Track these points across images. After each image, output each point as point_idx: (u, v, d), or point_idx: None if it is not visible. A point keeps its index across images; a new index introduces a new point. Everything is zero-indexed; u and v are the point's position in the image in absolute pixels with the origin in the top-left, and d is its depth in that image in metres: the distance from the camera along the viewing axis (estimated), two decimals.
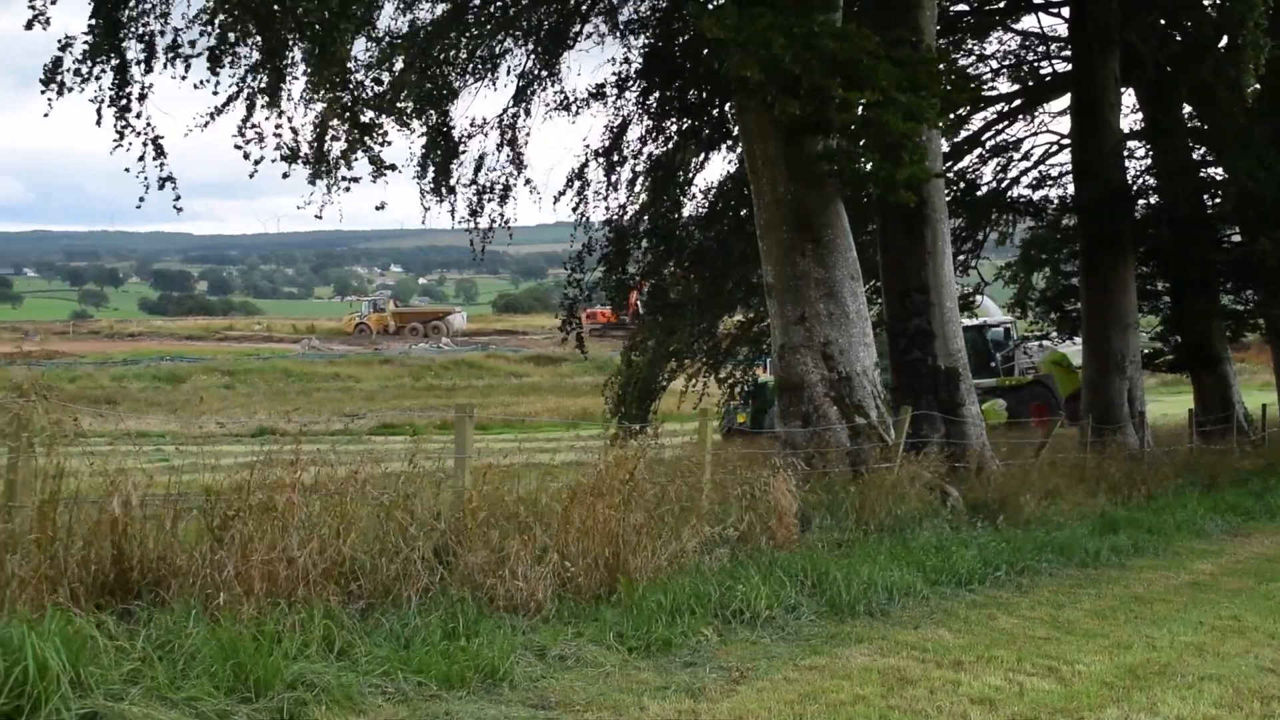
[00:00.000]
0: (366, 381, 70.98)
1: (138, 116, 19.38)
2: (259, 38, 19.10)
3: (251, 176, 20.75)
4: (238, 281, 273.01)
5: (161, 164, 19.75)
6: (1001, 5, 32.98)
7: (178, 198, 20.12)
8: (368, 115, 20.83)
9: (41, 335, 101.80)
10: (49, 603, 8.14)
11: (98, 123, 19.33)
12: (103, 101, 19.22)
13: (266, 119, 20.30)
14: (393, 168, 21.31)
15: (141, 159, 19.56)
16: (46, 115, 19.14)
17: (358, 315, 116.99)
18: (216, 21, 18.77)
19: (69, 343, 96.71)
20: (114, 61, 19.02)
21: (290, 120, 20.64)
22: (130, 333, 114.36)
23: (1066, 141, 33.02)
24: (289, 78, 19.97)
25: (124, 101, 19.25)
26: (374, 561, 10.14)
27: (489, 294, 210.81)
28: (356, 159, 20.69)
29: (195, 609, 8.70)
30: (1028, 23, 33.89)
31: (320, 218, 22.28)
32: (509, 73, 25.09)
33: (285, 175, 20.67)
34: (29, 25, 18.28)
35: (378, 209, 23.83)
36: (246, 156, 20.19)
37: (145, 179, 19.64)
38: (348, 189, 21.61)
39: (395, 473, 11.54)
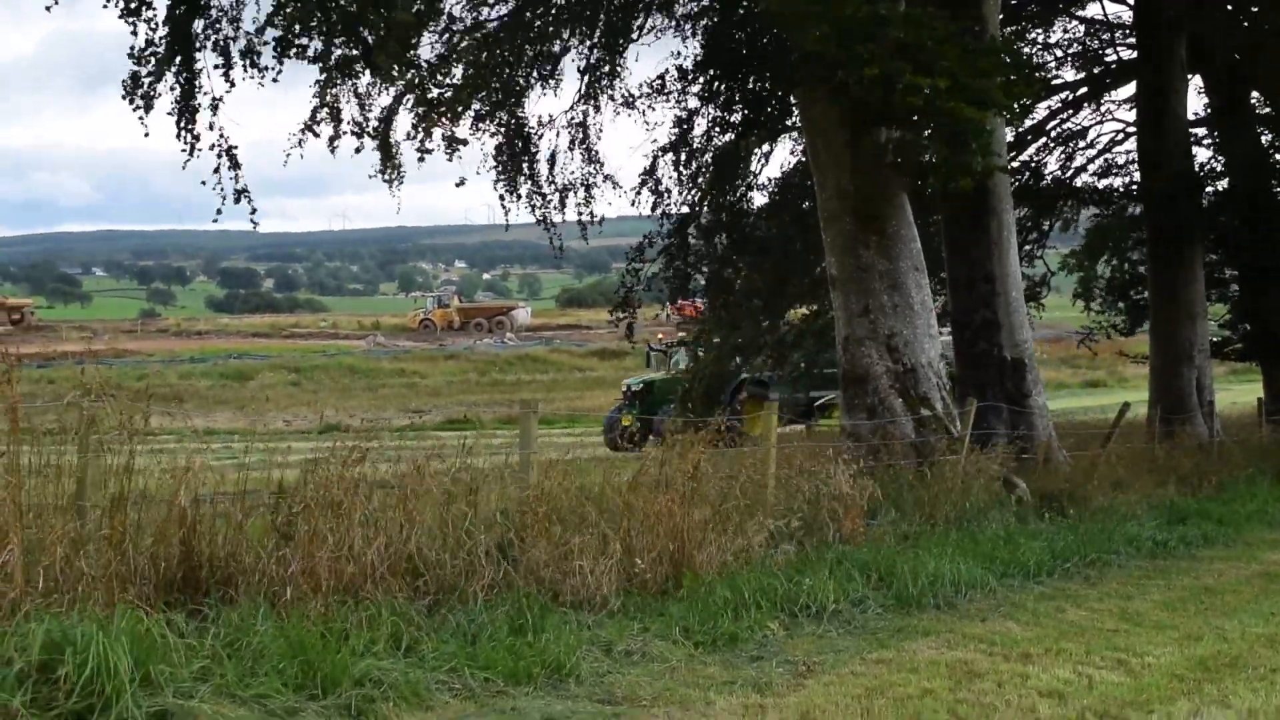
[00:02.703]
0: (431, 377, 71.16)
1: (210, 128, 19.63)
2: (329, 32, 19.28)
3: (333, 151, 21.23)
4: (303, 278, 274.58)
5: (236, 175, 20.02)
6: None
7: (254, 210, 20.47)
8: (434, 92, 21.03)
9: (110, 334, 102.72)
10: (119, 601, 8.20)
11: (178, 135, 19.61)
12: (178, 116, 19.52)
13: (335, 103, 20.61)
14: (464, 143, 21.56)
15: (217, 170, 19.81)
16: (147, 136, 19.81)
17: (423, 311, 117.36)
18: (287, 11, 18.93)
19: (137, 341, 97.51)
20: (182, 74, 19.25)
21: (361, 101, 20.95)
22: (197, 330, 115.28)
23: (1132, 130, 32.71)
24: (358, 69, 20.19)
25: (191, 113, 19.46)
26: (439, 557, 10.16)
27: (553, 289, 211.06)
28: (430, 138, 21.00)
29: (263, 606, 8.76)
30: (1092, 10, 33.85)
31: (397, 199, 22.51)
32: (579, 73, 25.16)
33: (358, 150, 21.04)
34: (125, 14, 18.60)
35: (458, 184, 23.84)
36: (317, 136, 20.50)
37: (221, 190, 19.90)
38: (421, 159, 21.90)
39: (460, 468, 11.56)
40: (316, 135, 21.11)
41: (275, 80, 19.83)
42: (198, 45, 19.32)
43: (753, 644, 10.31)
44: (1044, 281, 35.98)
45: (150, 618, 7.94)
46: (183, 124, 19.62)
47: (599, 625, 10.07)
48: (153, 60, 19.10)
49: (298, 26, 18.85)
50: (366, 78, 20.82)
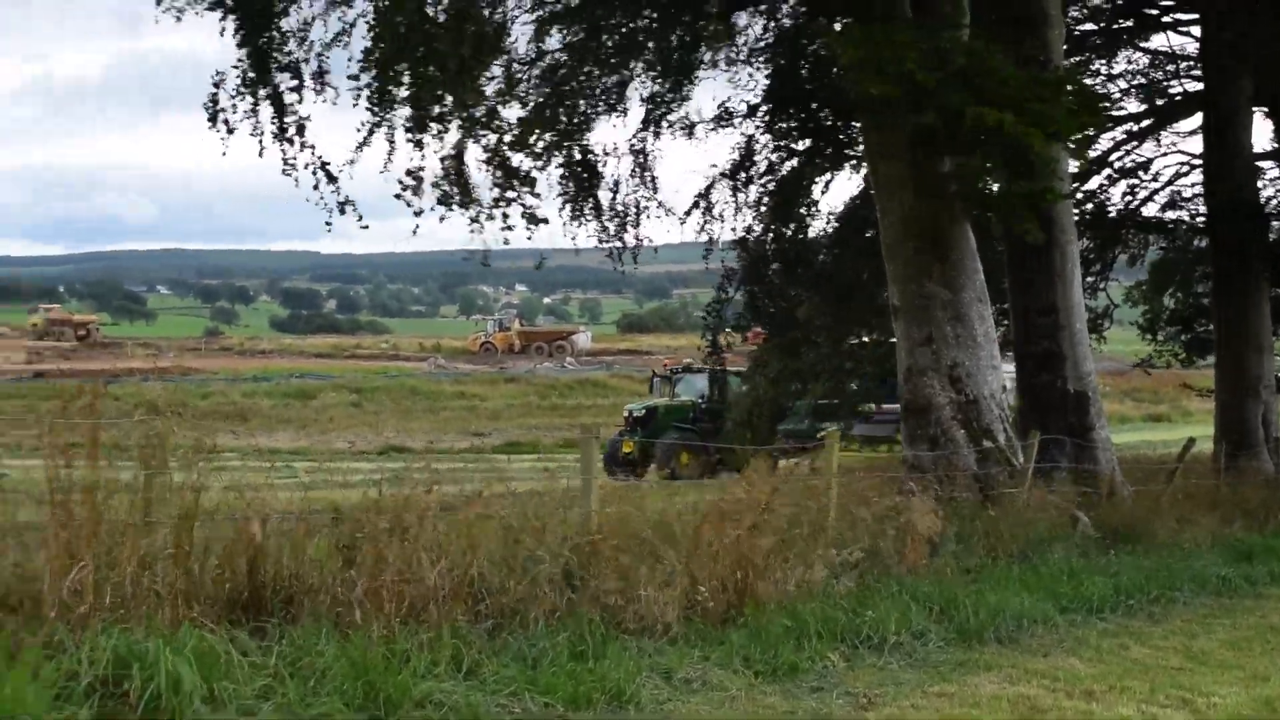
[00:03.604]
0: (492, 400, 71.34)
1: (302, 148, 20.07)
2: (408, 75, 19.63)
3: (416, 231, 21.56)
4: (365, 300, 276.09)
5: (336, 188, 20.50)
6: (1130, 24, 32.52)
7: (360, 217, 20.99)
8: (516, 159, 21.30)
9: (175, 351, 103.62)
10: (185, 618, 8.27)
11: (260, 154, 20.08)
12: (262, 134, 19.95)
13: (412, 159, 20.95)
14: (545, 221, 21.82)
15: (316, 187, 20.24)
16: (224, 155, 20.30)
17: (483, 334, 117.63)
18: (374, 58, 19.34)
19: (201, 359, 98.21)
20: (265, 93, 19.66)
21: (438, 154, 21.25)
22: (261, 350, 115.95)
23: (1197, 162, 32.47)
24: (434, 110, 20.49)
25: (287, 133, 19.92)
26: (502, 582, 10.18)
27: (613, 314, 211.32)
28: (508, 210, 21.29)
29: (326, 626, 8.81)
30: (1157, 42, 33.42)
31: (478, 231, 22.64)
32: (641, 102, 25.26)
33: (442, 219, 21.42)
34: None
35: (531, 222, 24.05)
36: (409, 205, 20.91)
37: (325, 204, 20.38)
38: (506, 241, 22.22)
39: (523, 492, 11.61)
40: (408, 205, 21.33)
41: (334, 103, 20.26)
42: (271, 69, 19.70)
43: (813, 674, 10.27)
44: (1107, 313, 35.76)
45: (215, 635, 8.01)
46: (279, 146, 20.14)
47: (660, 652, 10.07)
48: (237, 83, 19.57)
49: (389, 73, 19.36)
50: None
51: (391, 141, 20.84)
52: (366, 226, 21.04)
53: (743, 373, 41.69)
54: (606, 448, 36.26)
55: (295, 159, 20.31)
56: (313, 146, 20.42)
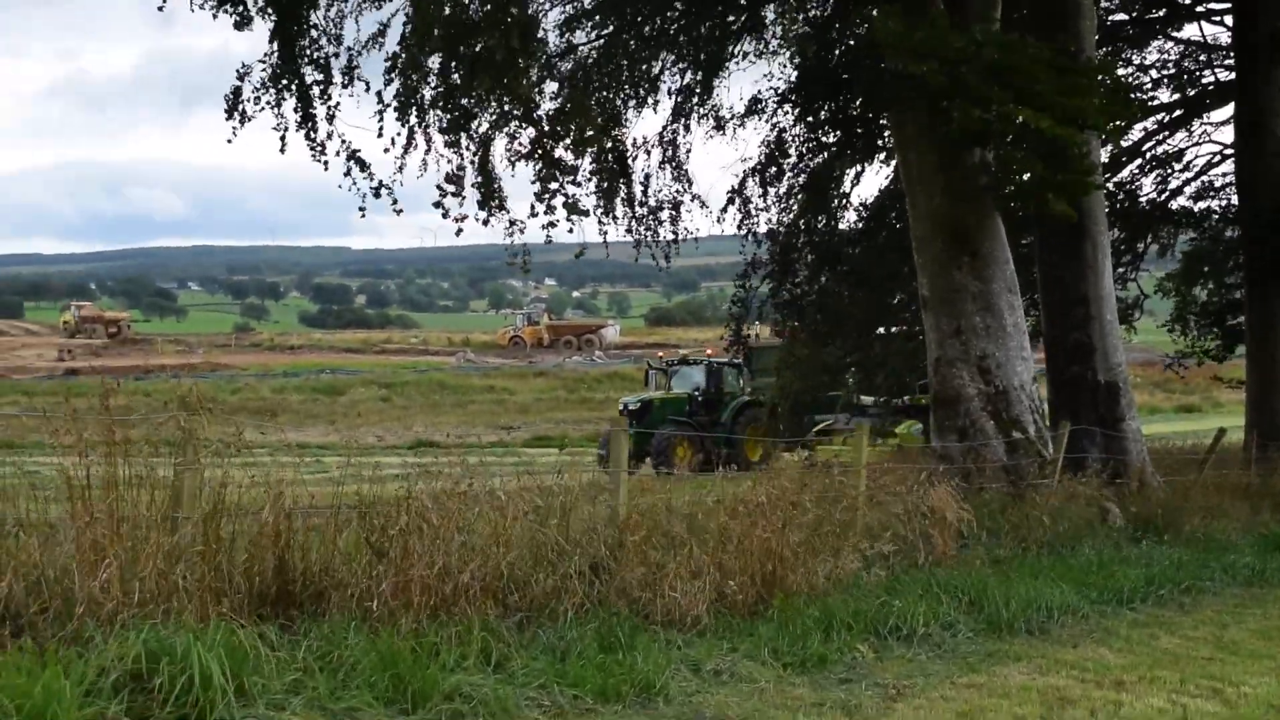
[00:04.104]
0: (521, 394, 71.36)
1: (329, 137, 20.11)
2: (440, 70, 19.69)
3: (459, 233, 21.64)
4: (395, 295, 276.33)
5: (370, 174, 20.65)
6: (1162, 14, 32.35)
7: (395, 201, 21.14)
8: (559, 151, 21.30)
9: (205, 348, 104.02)
10: (213, 613, 8.28)
11: (281, 150, 20.15)
12: (286, 128, 20.02)
13: (449, 161, 20.99)
14: (586, 213, 21.80)
15: (348, 174, 20.29)
16: (230, 142, 20.23)
17: (512, 328, 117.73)
18: (405, 56, 19.43)
19: (231, 355, 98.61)
20: (295, 86, 19.73)
21: (471, 153, 21.25)
22: (290, 345, 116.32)
23: (1230, 152, 32.27)
24: (476, 112, 20.56)
25: (312, 124, 19.96)
26: (531, 575, 10.19)
27: (641, 307, 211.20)
28: (553, 203, 21.27)
29: (355, 620, 8.82)
30: (1189, 32, 33.19)
31: (504, 222, 22.57)
32: (669, 94, 25.21)
33: (485, 223, 21.41)
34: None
35: (571, 213, 23.99)
36: (446, 214, 20.96)
37: (358, 190, 20.45)
38: (548, 239, 22.20)
39: (551, 486, 11.60)
40: (445, 214, 21.34)
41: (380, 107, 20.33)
42: (299, 63, 19.77)
43: (842, 666, 10.27)
44: (1137, 304, 35.55)
45: (244, 630, 8.02)
46: (304, 135, 20.18)
47: (689, 644, 10.07)
48: (263, 77, 19.65)
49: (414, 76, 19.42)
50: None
51: (428, 143, 20.92)
52: (400, 211, 21.10)
53: (740, 365, 41.65)
54: (600, 442, 35.80)
55: (323, 145, 20.39)
56: (342, 135, 20.52)
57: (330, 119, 20.33)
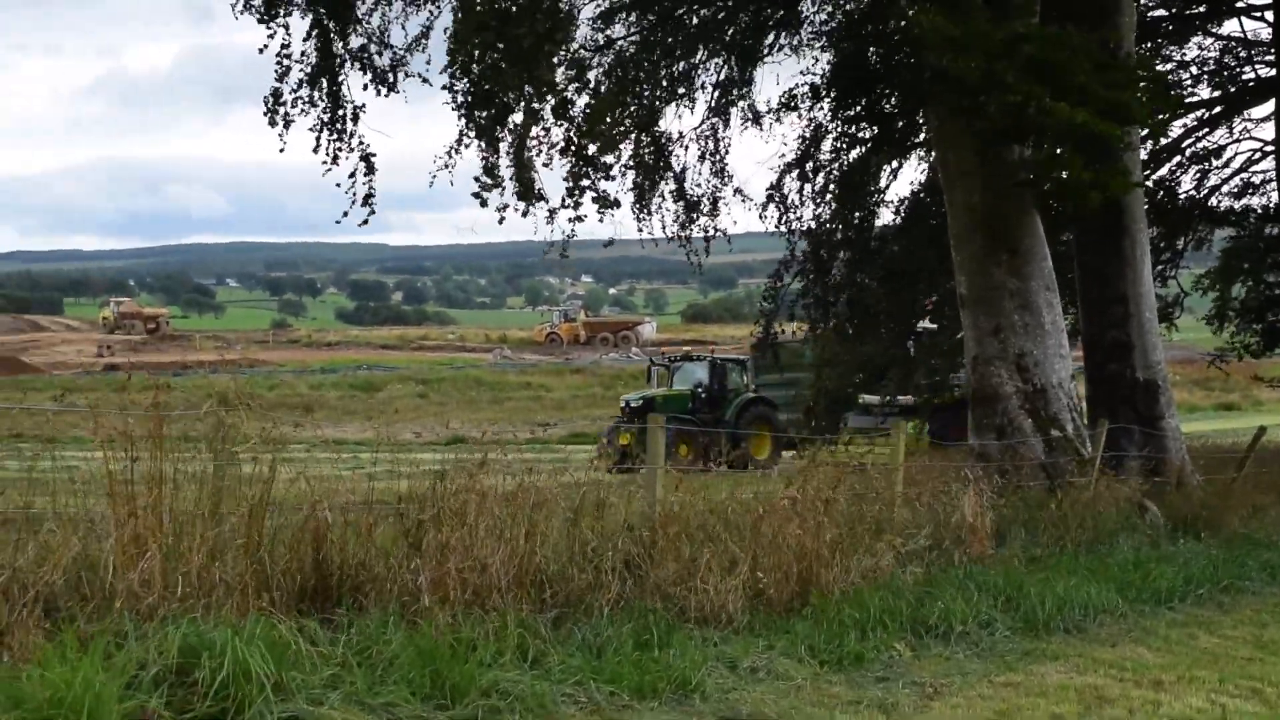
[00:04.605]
0: (557, 391, 71.39)
1: (350, 136, 20.20)
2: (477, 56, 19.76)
3: (502, 221, 21.66)
4: (432, 291, 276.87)
5: (370, 180, 20.71)
6: (1202, 10, 32.17)
7: (372, 213, 20.90)
8: (591, 148, 21.31)
9: (243, 344, 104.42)
10: (253, 608, 8.32)
11: (315, 149, 20.25)
12: (320, 128, 20.11)
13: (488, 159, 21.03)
14: (617, 204, 21.78)
15: (353, 175, 20.35)
16: (282, 151, 20.63)
17: (549, 325, 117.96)
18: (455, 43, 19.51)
19: (269, 351, 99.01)
20: (327, 88, 19.84)
21: (508, 145, 21.29)
22: (328, 342, 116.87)
23: (1270, 149, 32.11)
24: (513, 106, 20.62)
25: (339, 124, 20.06)
26: (566, 571, 10.19)
27: (678, 304, 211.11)
28: (580, 199, 21.28)
29: (393, 615, 8.83)
30: (1229, 27, 33.00)
31: (535, 219, 22.57)
32: (704, 89, 25.18)
33: (524, 214, 21.49)
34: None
35: (603, 208, 23.94)
36: (484, 204, 20.95)
37: (353, 194, 20.51)
38: (573, 233, 22.29)
39: (586, 481, 11.61)
40: (484, 204, 21.37)
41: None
42: (342, 62, 19.88)
43: (879, 664, 10.25)
44: (1177, 302, 35.37)
45: (283, 624, 8.05)
46: (330, 134, 20.32)
47: (725, 642, 10.05)
48: (298, 76, 19.77)
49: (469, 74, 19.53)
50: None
51: (476, 136, 20.98)
52: (365, 223, 21.13)
53: (744, 361, 41.42)
54: (601, 437, 35.34)
55: (342, 147, 20.48)
56: (361, 136, 20.63)
57: (355, 119, 20.45)
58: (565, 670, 8.79)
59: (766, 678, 9.53)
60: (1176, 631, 12.47)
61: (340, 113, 20.26)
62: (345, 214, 20.83)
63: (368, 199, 20.69)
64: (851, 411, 35.66)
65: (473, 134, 20.95)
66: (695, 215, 25.53)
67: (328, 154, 20.49)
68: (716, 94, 25.22)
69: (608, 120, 21.72)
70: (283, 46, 19.72)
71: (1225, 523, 18.03)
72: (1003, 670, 10.38)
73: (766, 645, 10.14)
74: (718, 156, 25.71)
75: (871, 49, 23.95)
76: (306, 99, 20.10)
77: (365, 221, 20.98)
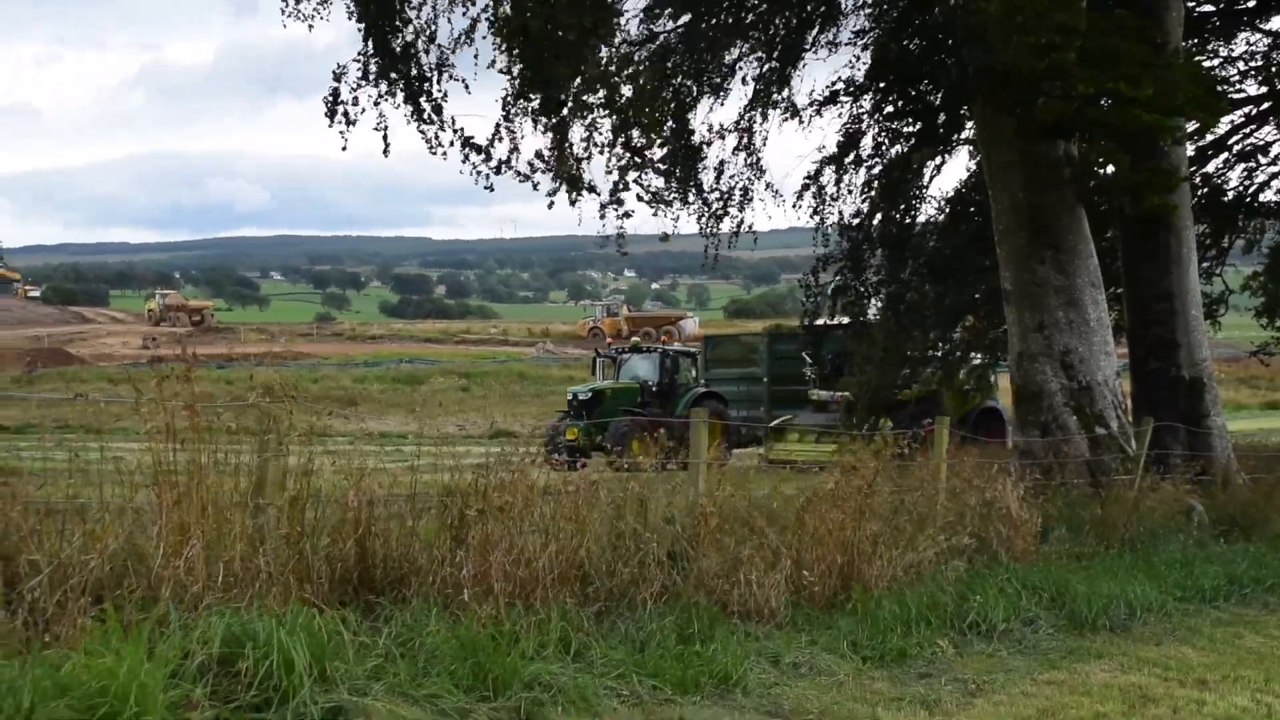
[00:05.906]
0: None
1: (441, 127, 20.22)
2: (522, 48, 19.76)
3: (552, 205, 21.63)
4: (474, 285, 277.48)
5: (488, 155, 20.77)
6: (1250, 5, 31.93)
7: (517, 172, 21.09)
8: (638, 140, 21.32)
9: (287, 336, 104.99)
10: (295, 598, 8.34)
11: (385, 152, 20.42)
12: (385, 127, 20.16)
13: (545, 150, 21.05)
14: (671, 203, 21.80)
15: (466, 159, 20.43)
16: (344, 149, 20.60)
17: (592, 319, 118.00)
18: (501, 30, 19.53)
19: (312, 344, 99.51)
20: (403, 83, 19.90)
21: (556, 136, 21.30)
22: (371, 335, 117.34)
23: None
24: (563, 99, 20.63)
25: (424, 114, 20.12)
26: (610, 564, 10.20)
27: (721, 299, 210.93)
28: (626, 190, 21.30)
29: (435, 607, 8.85)
30: (1277, 23, 32.77)
31: (578, 212, 22.59)
32: (744, 81, 25.14)
33: (574, 202, 21.43)
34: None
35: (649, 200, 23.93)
36: (535, 187, 21.00)
37: (476, 173, 20.70)
38: (621, 232, 22.26)
39: (629, 474, 11.61)
40: (535, 187, 21.43)
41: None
42: (397, 58, 19.94)
43: (922, 660, 10.23)
44: (1222, 299, 35.16)
45: (326, 615, 8.07)
46: (417, 127, 20.37)
47: (767, 636, 10.06)
48: (357, 78, 19.81)
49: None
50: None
51: (533, 124, 21.06)
52: (491, 188, 21.21)
53: (694, 355, 41.20)
54: (545, 433, 34.68)
55: (437, 137, 20.49)
56: (454, 122, 20.61)
57: (438, 110, 20.40)
58: (608, 664, 8.81)
59: (809, 673, 9.52)
60: (1221, 631, 12.40)
61: (423, 104, 20.27)
62: (490, 188, 21.30)
63: (500, 168, 20.84)
64: (806, 409, 35.64)
65: (515, 120, 20.96)
66: (728, 208, 25.53)
67: (426, 142, 20.54)
68: (757, 88, 25.20)
69: (647, 110, 21.70)
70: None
71: (1271, 522, 17.90)
72: (1046, 668, 10.34)
73: (809, 640, 10.14)
74: (752, 149, 25.69)
75: (913, 44, 23.90)
76: (373, 99, 20.14)
77: (490, 188, 21.29)
